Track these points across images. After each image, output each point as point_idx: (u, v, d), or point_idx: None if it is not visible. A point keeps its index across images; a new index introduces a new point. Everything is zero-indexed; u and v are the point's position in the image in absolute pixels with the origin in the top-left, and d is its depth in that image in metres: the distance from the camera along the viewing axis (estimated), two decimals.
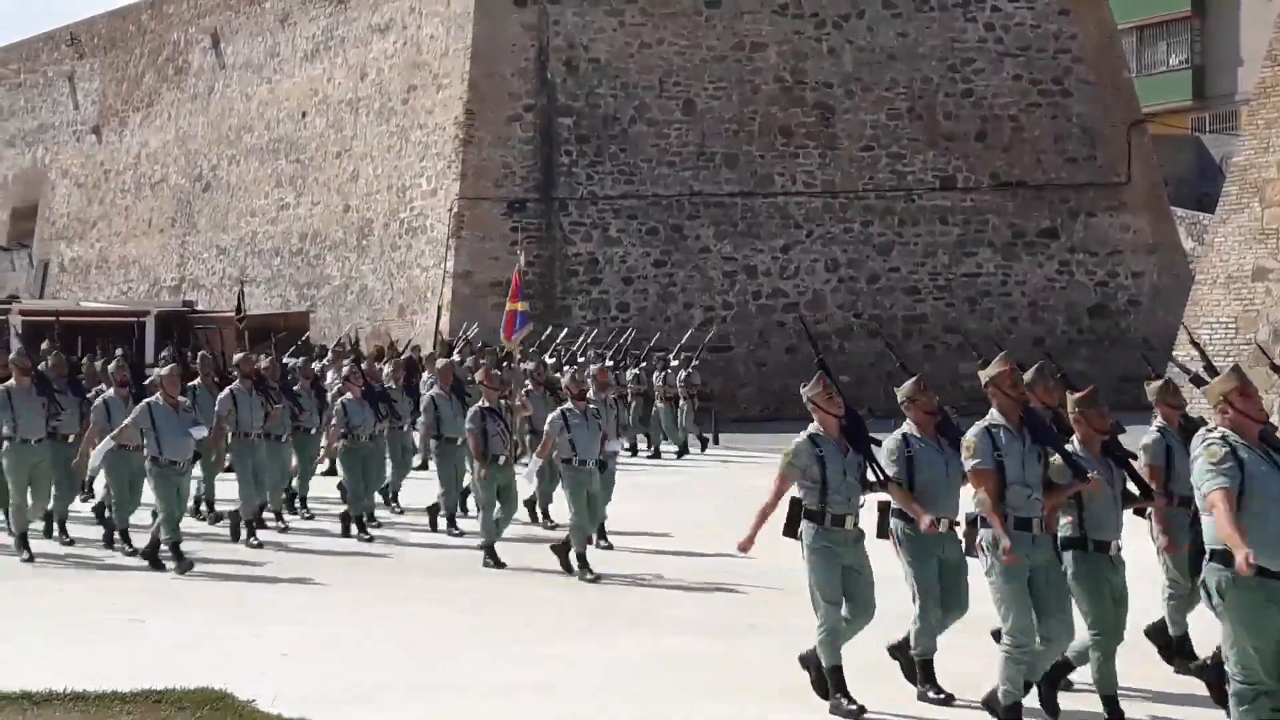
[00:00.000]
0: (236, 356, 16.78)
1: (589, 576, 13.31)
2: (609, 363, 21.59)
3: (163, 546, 13.83)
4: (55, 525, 15.43)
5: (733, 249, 31.94)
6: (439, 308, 31.07)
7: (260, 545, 15.08)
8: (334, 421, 16.28)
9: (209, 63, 41.68)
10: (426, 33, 33.61)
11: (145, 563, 13.90)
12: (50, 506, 15.26)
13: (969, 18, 32.83)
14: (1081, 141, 32.99)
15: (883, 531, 9.37)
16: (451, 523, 16.11)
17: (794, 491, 9.17)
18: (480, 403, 14.49)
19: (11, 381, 14.71)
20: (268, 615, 11.91)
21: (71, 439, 15.12)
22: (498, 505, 14.22)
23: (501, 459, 14.14)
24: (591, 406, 14.15)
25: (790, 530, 9.13)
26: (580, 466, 13.76)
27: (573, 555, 13.58)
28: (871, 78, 32.47)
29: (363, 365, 18.32)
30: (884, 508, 9.39)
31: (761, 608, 12.19)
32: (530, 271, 31.29)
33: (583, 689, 9.70)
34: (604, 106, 31.80)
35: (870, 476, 9.21)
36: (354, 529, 15.79)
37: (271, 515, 16.31)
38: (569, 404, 13.98)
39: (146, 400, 14.06)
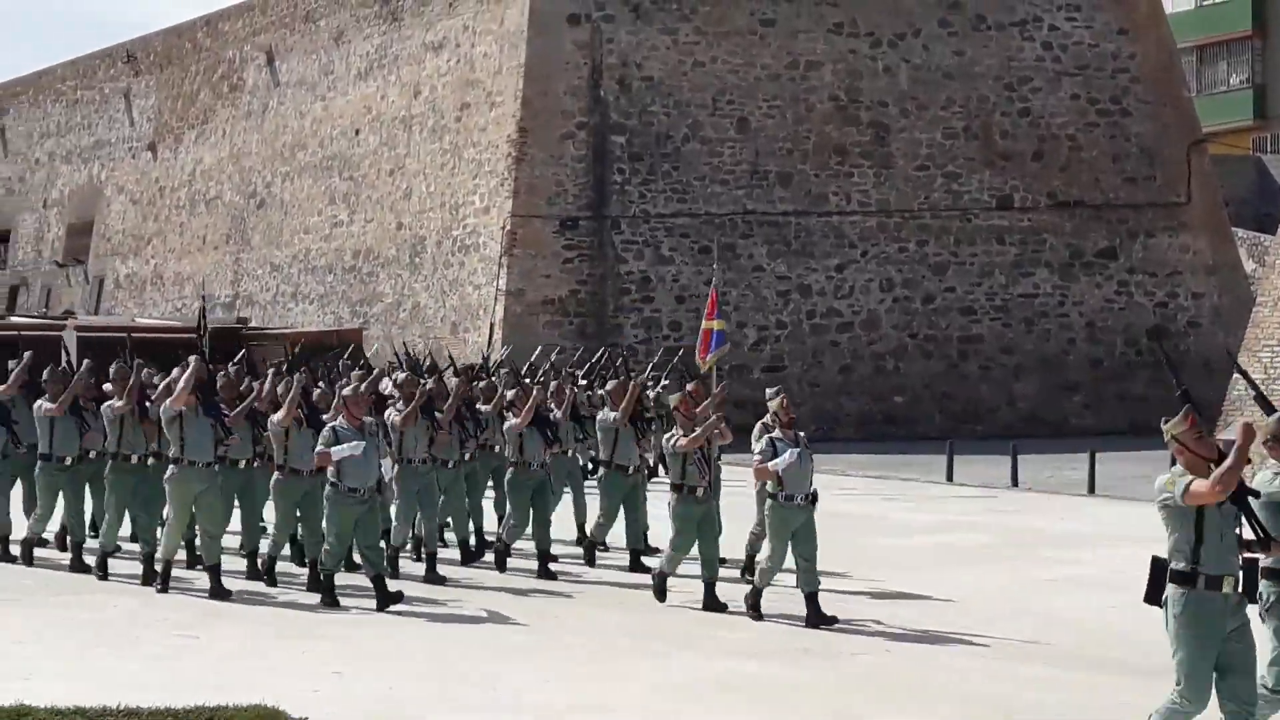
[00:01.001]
0: (397, 378, 15.77)
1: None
2: (582, 382, 20.43)
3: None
4: (255, 560, 14.18)
5: (786, 268, 31.77)
6: (490, 325, 31.03)
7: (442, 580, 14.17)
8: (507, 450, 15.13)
9: (264, 80, 41.88)
10: (480, 50, 33.64)
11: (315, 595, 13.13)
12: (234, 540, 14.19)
13: (1026, 36, 32.59)
14: (1140, 161, 32.67)
15: (1251, 595, 8.00)
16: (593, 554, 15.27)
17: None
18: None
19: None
20: (319, 631, 11.83)
21: (243, 464, 14.20)
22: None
23: (699, 490, 12.88)
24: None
25: (1153, 596, 7.90)
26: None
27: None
28: (927, 96, 32.26)
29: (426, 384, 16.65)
30: (1252, 567, 8.00)
31: (812, 631, 12.01)
32: (582, 290, 31.23)
33: (635, 710, 9.56)
34: (657, 124, 31.72)
35: (1248, 534, 7.85)
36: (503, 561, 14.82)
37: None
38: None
39: (331, 424, 12.87)
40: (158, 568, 13.54)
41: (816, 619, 11.97)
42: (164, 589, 13.29)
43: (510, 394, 15.51)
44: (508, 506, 15.08)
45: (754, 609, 12.36)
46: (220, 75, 43.95)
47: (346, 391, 13.21)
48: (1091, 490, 21.81)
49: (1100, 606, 13.09)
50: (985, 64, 32.47)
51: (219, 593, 13.10)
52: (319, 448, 12.83)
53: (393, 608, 12.58)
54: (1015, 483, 22.45)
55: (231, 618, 12.36)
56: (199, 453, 13.29)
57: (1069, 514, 19.70)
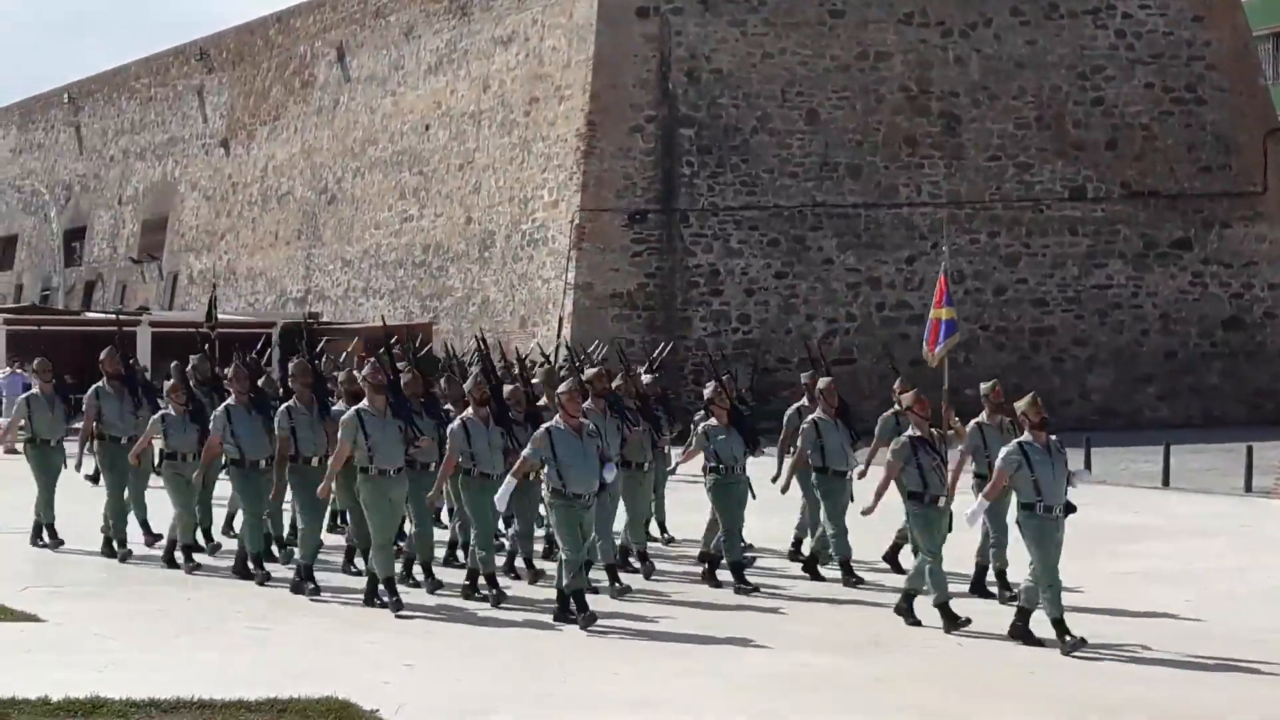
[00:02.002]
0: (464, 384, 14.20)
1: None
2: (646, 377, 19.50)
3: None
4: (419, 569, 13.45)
5: (856, 260, 31.62)
6: (560, 319, 31.08)
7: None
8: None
9: (334, 76, 42.15)
10: (549, 44, 33.68)
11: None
12: (410, 548, 13.54)
13: (1099, 25, 32.24)
14: (1215, 150, 32.25)
15: None
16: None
17: None
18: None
19: (364, 403, 12.73)
20: (390, 624, 11.88)
21: (432, 467, 13.17)
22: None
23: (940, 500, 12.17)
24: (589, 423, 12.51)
25: None
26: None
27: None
28: (999, 86, 31.99)
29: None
30: None
31: (884, 621, 11.96)
32: (650, 283, 31.21)
33: (710, 704, 9.54)
34: (726, 117, 31.63)
35: None
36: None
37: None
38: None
39: (548, 426, 12.12)
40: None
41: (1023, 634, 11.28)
42: (372, 602, 12.54)
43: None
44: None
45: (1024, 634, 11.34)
46: (292, 71, 44.27)
47: (561, 390, 12.45)
48: (1165, 483, 21.57)
49: (1170, 601, 12.94)
50: (1058, 53, 32.16)
51: (397, 605, 12.28)
52: (531, 457, 12.03)
53: (468, 602, 12.63)
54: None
55: (303, 610, 12.44)
56: (389, 459, 12.43)
57: (1143, 507, 19.49)
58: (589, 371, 13.54)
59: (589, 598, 12.01)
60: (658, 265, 31.24)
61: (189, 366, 16.15)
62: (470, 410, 13.01)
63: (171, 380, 15.10)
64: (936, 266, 31.94)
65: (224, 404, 14.04)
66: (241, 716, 8.89)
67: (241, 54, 46.94)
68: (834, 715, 9.38)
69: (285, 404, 13.42)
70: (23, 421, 16.01)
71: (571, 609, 11.78)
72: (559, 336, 30.84)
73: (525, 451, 12.13)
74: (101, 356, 15.58)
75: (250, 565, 13.73)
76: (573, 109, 32.29)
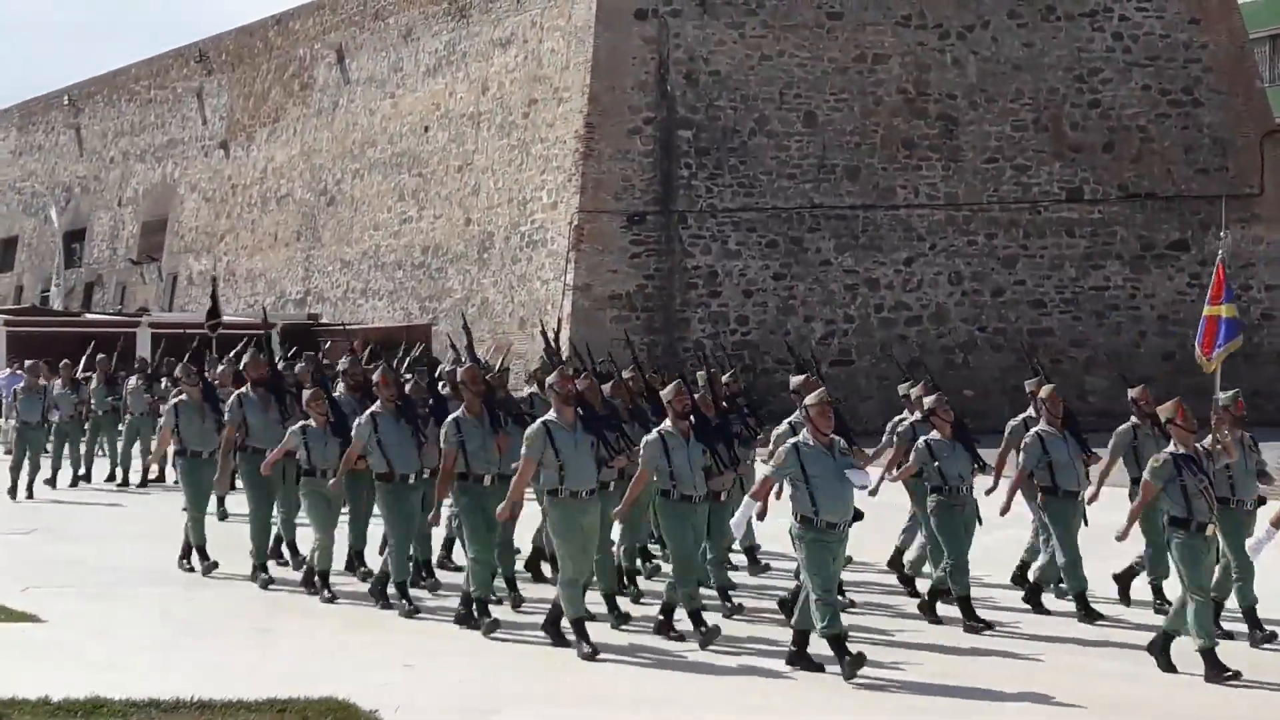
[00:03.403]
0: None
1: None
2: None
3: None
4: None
5: (854, 262, 31.67)
6: (559, 321, 31.13)
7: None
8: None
9: (334, 78, 42.19)
10: (547, 46, 33.74)
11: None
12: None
13: (1096, 27, 32.30)
14: (1213, 152, 32.30)
15: None
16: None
17: None
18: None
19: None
20: (390, 625, 11.92)
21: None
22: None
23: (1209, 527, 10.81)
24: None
25: None
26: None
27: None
28: (996, 89, 32.05)
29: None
30: None
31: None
32: (649, 285, 31.27)
33: (713, 704, 9.59)
34: (724, 119, 31.69)
35: None
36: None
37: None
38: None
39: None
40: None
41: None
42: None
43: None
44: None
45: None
46: (291, 73, 44.32)
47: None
48: None
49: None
50: (1055, 55, 32.22)
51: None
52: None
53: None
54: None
55: (303, 612, 12.48)
56: (582, 479, 11.13)
57: None
58: (668, 390, 11.52)
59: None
60: (656, 267, 31.29)
61: (341, 370, 14.78)
62: (669, 422, 11.34)
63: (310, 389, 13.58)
64: (935, 268, 32.25)
65: (369, 411, 12.54)
66: (241, 717, 8.93)
67: (241, 56, 46.98)
68: (838, 715, 9.42)
69: (454, 414, 11.79)
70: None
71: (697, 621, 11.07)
72: (558, 338, 30.89)
73: (766, 471, 10.55)
74: (244, 360, 14.50)
75: (395, 592, 12.30)
76: (571, 111, 32.35)
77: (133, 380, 22.35)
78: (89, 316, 39.73)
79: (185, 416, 14.40)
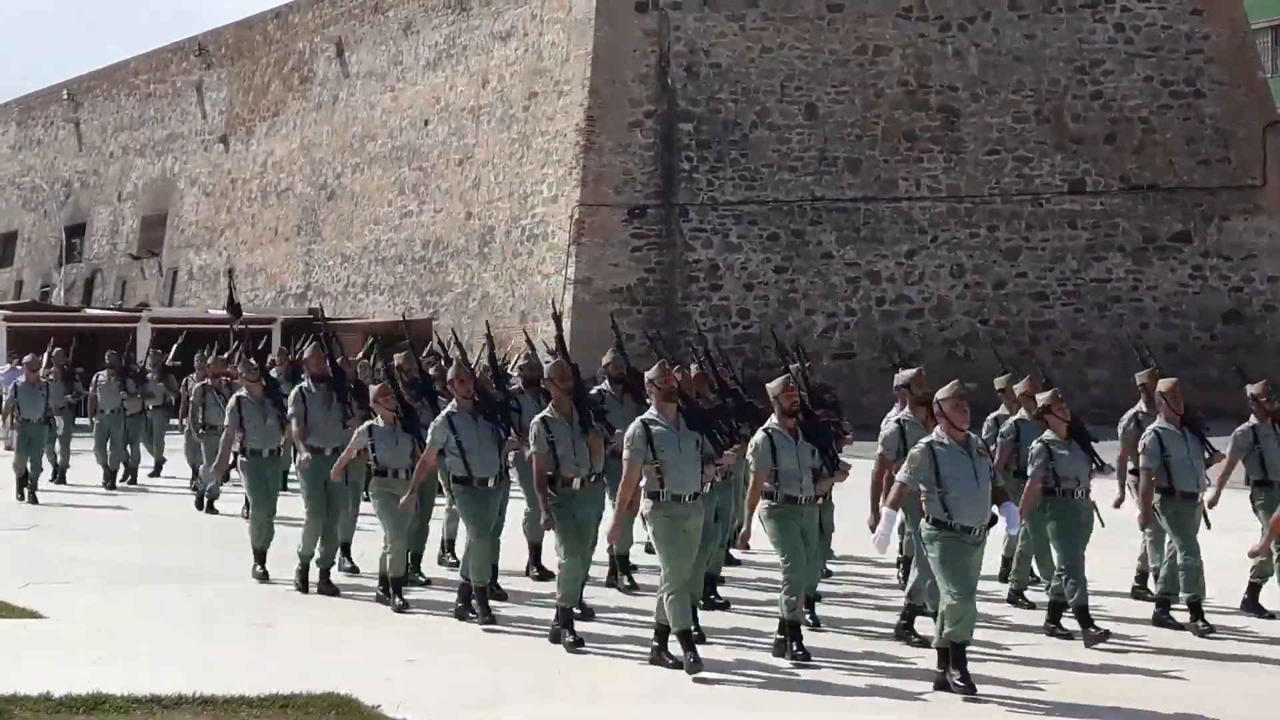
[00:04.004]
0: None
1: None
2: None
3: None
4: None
5: (856, 254, 31.63)
6: (559, 314, 31.07)
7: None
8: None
9: (333, 72, 42.15)
10: (548, 40, 33.69)
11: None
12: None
13: (1098, 19, 32.24)
14: (1215, 143, 32.25)
15: None
16: None
17: None
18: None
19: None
20: (391, 620, 11.89)
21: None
22: None
23: None
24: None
25: None
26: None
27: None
28: (997, 80, 32.00)
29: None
30: None
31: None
32: (650, 278, 31.23)
33: (714, 697, 9.57)
34: (725, 112, 31.65)
35: None
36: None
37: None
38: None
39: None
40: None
41: None
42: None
43: None
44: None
45: None
46: (290, 67, 44.27)
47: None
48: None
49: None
50: (1056, 47, 32.16)
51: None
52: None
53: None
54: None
55: (304, 607, 12.46)
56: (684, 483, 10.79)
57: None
58: (775, 384, 10.75)
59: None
60: (657, 260, 31.25)
61: (395, 365, 14.10)
62: (775, 419, 10.57)
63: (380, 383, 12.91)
64: (937, 260, 32.22)
65: (445, 411, 11.82)
66: (243, 712, 8.90)
67: (240, 50, 46.93)
68: (846, 714, 9.39)
69: (541, 414, 11.11)
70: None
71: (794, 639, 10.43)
72: (559, 332, 30.84)
73: (901, 476, 9.90)
74: (305, 354, 13.72)
75: (474, 602, 11.68)
76: (572, 104, 32.30)
77: (102, 375, 21.35)
78: (89, 312, 39.68)
79: (247, 413, 13.62)
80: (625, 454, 10.19)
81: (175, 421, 22.05)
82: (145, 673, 9.71)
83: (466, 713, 9.21)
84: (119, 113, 53.44)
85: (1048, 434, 11.36)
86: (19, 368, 23.40)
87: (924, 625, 10.87)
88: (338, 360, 13.54)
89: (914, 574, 11.00)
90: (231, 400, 13.95)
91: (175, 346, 24.09)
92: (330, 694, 9.20)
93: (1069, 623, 11.23)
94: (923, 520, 9.74)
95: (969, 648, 9.70)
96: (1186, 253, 32.15)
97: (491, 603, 11.80)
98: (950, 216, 31.77)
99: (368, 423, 12.43)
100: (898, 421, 11.64)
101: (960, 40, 32.02)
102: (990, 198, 31.88)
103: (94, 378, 21.72)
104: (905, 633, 11.04)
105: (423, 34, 38.51)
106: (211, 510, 18.03)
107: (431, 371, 14.58)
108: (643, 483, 10.22)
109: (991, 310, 31.64)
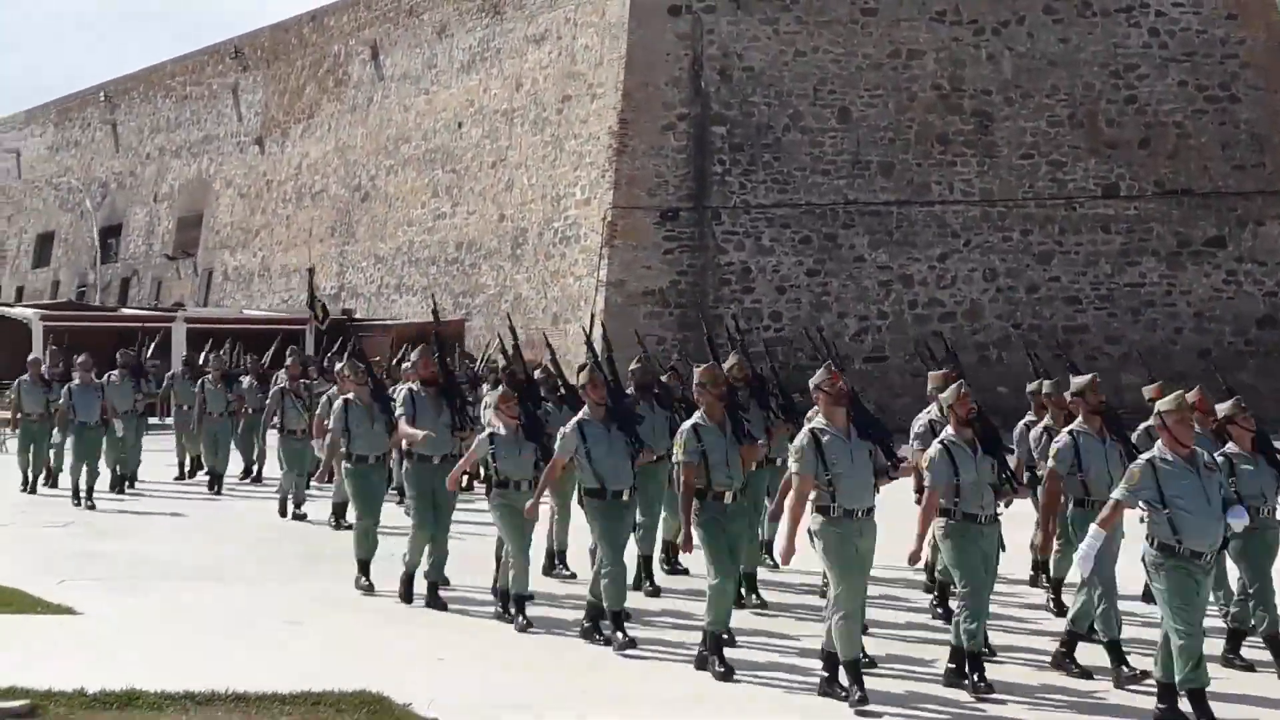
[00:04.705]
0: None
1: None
2: None
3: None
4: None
5: (888, 258, 31.60)
6: (591, 316, 31.15)
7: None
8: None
9: (368, 74, 42.31)
10: (581, 43, 33.75)
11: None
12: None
13: (1132, 23, 32.14)
14: (1250, 148, 32.10)
15: None
16: None
17: None
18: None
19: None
20: (422, 619, 11.95)
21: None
22: None
23: None
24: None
25: None
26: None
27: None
28: (1031, 84, 31.93)
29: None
30: None
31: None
32: (682, 281, 31.25)
33: (742, 701, 9.58)
34: (758, 115, 31.66)
35: None
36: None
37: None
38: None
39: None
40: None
41: None
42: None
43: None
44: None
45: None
46: (325, 70, 44.46)
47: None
48: None
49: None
50: (1091, 51, 32.07)
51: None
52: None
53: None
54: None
55: (336, 606, 12.51)
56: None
57: None
58: (948, 394, 10.17)
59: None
60: (689, 263, 31.27)
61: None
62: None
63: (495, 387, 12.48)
64: (969, 264, 32.13)
65: (575, 419, 11.18)
66: (275, 709, 8.96)
67: (276, 52, 47.15)
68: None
69: (691, 421, 10.36)
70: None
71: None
72: (590, 334, 30.90)
73: (1118, 494, 9.25)
74: (413, 357, 13.07)
75: (609, 625, 10.97)
76: (605, 107, 32.36)
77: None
78: (125, 311, 39.93)
79: (354, 418, 13.02)
80: (794, 467, 9.50)
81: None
82: (178, 669, 9.78)
83: (497, 712, 9.25)
84: (155, 114, 53.75)
85: (1231, 447, 10.41)
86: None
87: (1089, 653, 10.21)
88: (449, 364, 12.87)
89: (1080, 597, 10.16)
90: (338, 403, 13.31)
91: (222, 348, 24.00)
92: (361, 692, 9.26)
93: (1254, 651, 10.38)
94: (1145, 544, 9.02)
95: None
96: (1221, 257, 32.00)
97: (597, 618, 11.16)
98: (983, 220, 31.71)
99: (488, 430, 11.79)
100: (1070, 433, 10.70)
101: (994, 44, 31.96)
102: (1024, 201, 31.80)
103: (167, 377, 22.57)
104: (1065, 661, 10.19)
105: (457, 37, 38.63)
106: (300, 518, 17.46)
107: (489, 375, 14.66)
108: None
109: (1024, 314, 31.57)
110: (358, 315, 37.96)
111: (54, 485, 20.54)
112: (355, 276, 41.66)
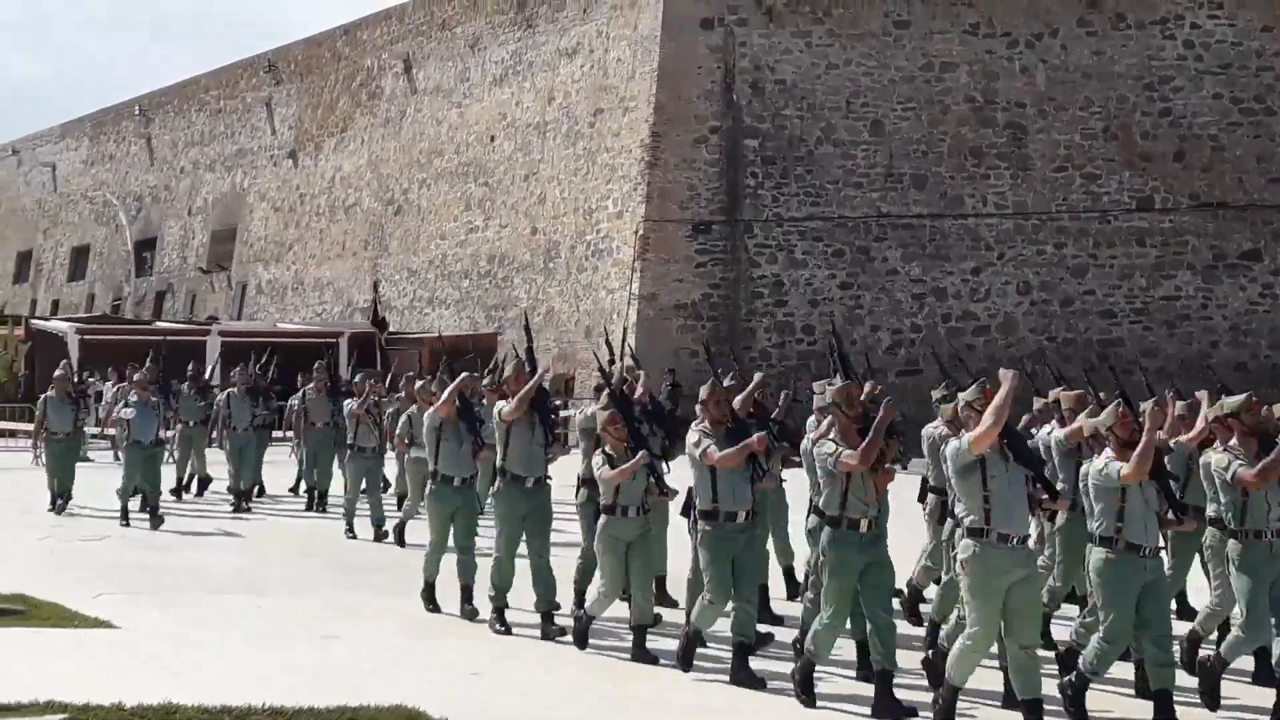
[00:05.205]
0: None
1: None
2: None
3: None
4: None
5: (921, 271, 31.53)
6: (624, 330, 31.16)
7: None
8: None
9: (401, 88, 42.45)
10: (613, 56, 33.80)
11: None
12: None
13: (1167, 35, 32.03)
14: None
15: None
16: None
17: None
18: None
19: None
20: (457, 632, 11.94)
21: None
22: None
23: None
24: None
25: None
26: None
27: None
28: (1065, 97, 31.84)
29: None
30: None
31: None
32: (714, 294, 31.24)
33: (776, 714, 9.55)
34: (790, 128, 31.64)
35: None
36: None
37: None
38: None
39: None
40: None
41: None
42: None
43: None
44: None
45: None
46: (359, 83, 44.62)
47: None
48: None
49: None
50: (1125, 63, 31.97)
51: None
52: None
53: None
54: None
55: (373, 618, 12.52)
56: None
57: None
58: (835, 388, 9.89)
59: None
60: (722, 276, 31.26)
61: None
62: (1111, 453, 9.24)
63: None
64: (1003, 277, 32.04)
65: (699, 430, 10.35)
66: None
67: (309, 66, 47.36)
68: None
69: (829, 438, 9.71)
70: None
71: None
72: (623, 348, 30.91)
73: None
74: (506, 372, 12.69)
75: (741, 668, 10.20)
76: (637, 120, 32.39)
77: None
78: (160, 325, 40.13)
79: (445, 437, 12.38)
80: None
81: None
82: (215, 683, 9.80)
83: None
84: (190, 128, 54.03)
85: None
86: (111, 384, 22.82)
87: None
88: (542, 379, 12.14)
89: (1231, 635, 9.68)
90: (429, 420, 12.48)
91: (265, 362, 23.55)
92: (397, 706, 9.26)
93: None
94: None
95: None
96: (1256, 271, 31.84)
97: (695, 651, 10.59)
98: (1017, 233, 31.62)
99: (597, 452, 11.01)
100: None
101: (1028, 57, 31.89)
102: (1058, 214, 31.70)
103: (225, 394, 21.02)
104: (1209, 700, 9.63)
105: (489, 50, 38.74)
106: (383, 538, 16.78)
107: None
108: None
109: (1059, 328, 31.45)
110: (391, 328, 38.03)
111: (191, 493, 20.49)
112: (388, 289, 41.77)
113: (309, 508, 19.62)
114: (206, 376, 22.64)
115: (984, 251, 31.59)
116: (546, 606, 11.62)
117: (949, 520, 9.98)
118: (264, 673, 10.29)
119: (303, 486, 20.65)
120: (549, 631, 11.51)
